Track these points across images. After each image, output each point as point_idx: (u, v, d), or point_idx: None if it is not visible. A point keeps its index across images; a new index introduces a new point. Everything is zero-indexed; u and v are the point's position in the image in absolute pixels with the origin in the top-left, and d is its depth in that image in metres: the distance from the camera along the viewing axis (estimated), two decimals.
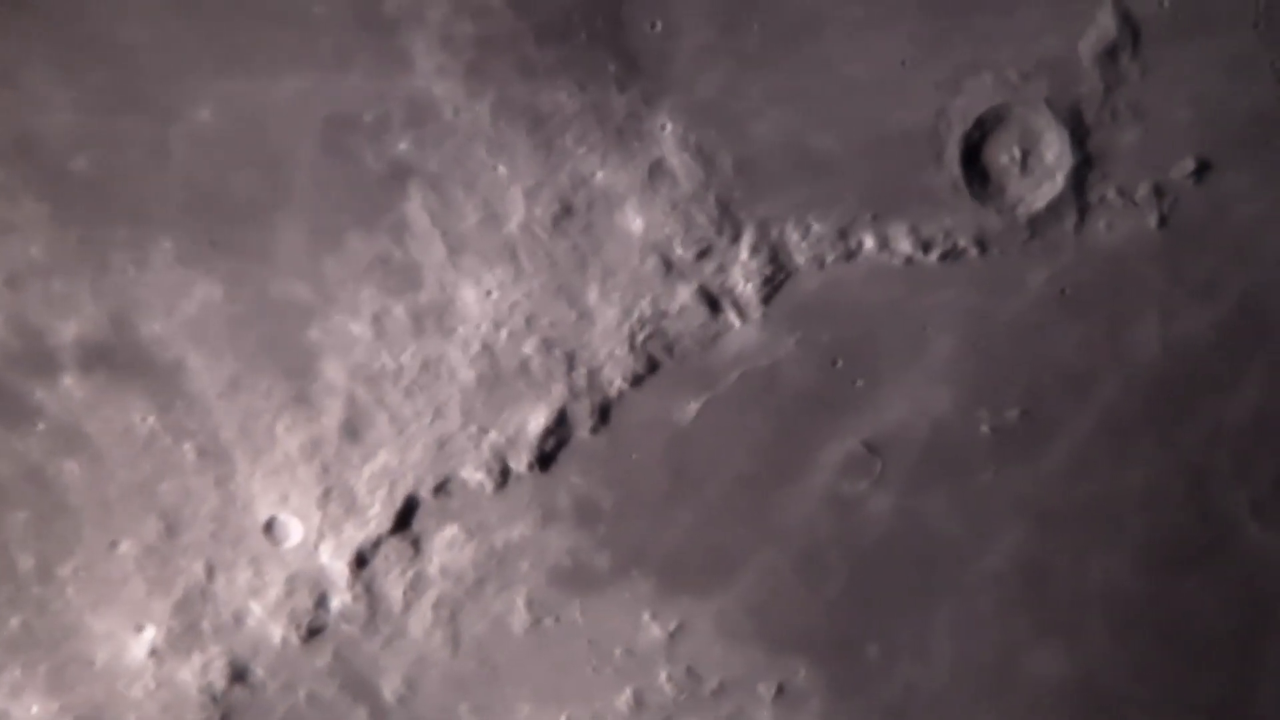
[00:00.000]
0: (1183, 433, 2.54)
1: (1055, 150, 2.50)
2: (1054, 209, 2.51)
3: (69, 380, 2.45)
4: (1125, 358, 2.53)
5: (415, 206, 2.47)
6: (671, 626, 2.55)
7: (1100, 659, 2.56)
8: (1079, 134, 2.49)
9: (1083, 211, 2.51)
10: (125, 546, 2.50)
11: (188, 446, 2.49)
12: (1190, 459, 2.54)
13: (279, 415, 2.50)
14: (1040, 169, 2.51)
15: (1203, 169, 2.49)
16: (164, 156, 2.42)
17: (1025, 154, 2.51)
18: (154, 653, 2.52)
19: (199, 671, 2.52)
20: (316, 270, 2.47)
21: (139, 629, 2.51)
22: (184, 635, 2.52)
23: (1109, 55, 2.48)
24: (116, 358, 2.46)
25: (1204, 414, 2.54)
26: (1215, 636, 2.55)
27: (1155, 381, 2.53)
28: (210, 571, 2.51)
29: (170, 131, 2.42)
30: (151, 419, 2.48)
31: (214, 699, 2.53)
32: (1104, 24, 2.47)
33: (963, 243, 2.50)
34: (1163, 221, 2.51)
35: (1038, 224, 2.51)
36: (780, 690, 2.56)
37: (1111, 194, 2.51)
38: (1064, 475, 2.54)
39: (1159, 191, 2.50)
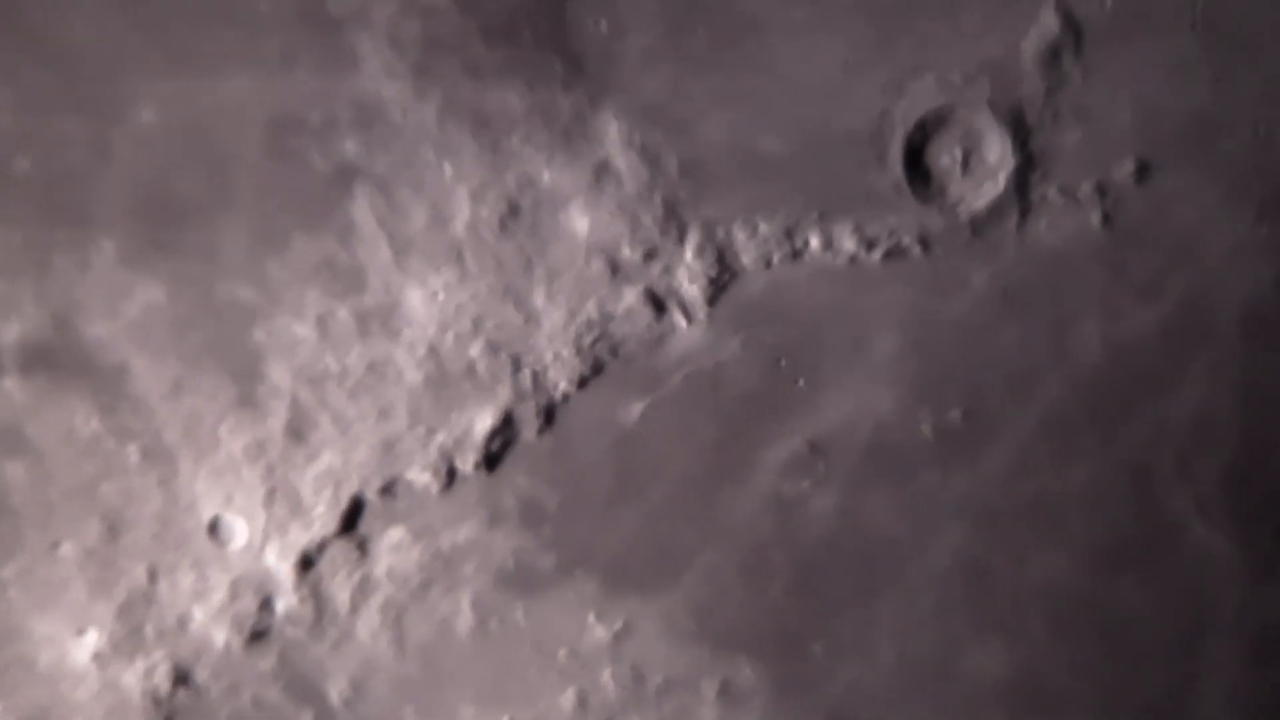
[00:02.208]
0: (1125, 432, 2.55)
1: (997, 151, 2.51)
2: (996, 209, 2.52)
3: (10, 382, 2.43)
4: (1067, 357, 2.54)
5: (361, 208, 2.47)
6: (616, 627, 2.55)
7: (1041, 657, 2.57)
8: (1021, 135, 2.51)
9: (1025, 211, 2.53)
10: (67, 548, 2.48)
11: (131, 448, 2.48)
12: (1132, 458, 2.56)
13: (223, 417, 2.49)
14: (982, 169, 2.52)
15: (1144, 169, 2.51)
16: (106, 157, 2.42)
17: (967, 154, 2.52)
18: (97, 656, 2.50)
19: (142, 675, 2.51)
20: (261, 272, 2.47)
21: (81, 632, 2.50)
22: (127, 638, 2.50)
23: (1051, 57, 2.49)
24: (59, 359, 2.45)
25: (1146, 413, 2.55)
26: (1156, 635, 2.56)
27: (1097, 380, 2.54)
28: (153, 574, 2.50)
29: (113, 132, 2.41)
30: (94, 421, 2.47)
31: (157, 703, 2.51)
32: (1046, 26, 2.49)
33: (906, 242, 2.51)
34: (1105, 221, 2.52)
35: (980, 224, 2.52)
36: (724, 689, 2.56)
37: (1053, 194, 2.52)
38: (1006, 475, 2.55)
39: (1101, 191, 2.52)
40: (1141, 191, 2.52)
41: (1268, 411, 2.54)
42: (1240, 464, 2.55)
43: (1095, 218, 2.52)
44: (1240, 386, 2.53)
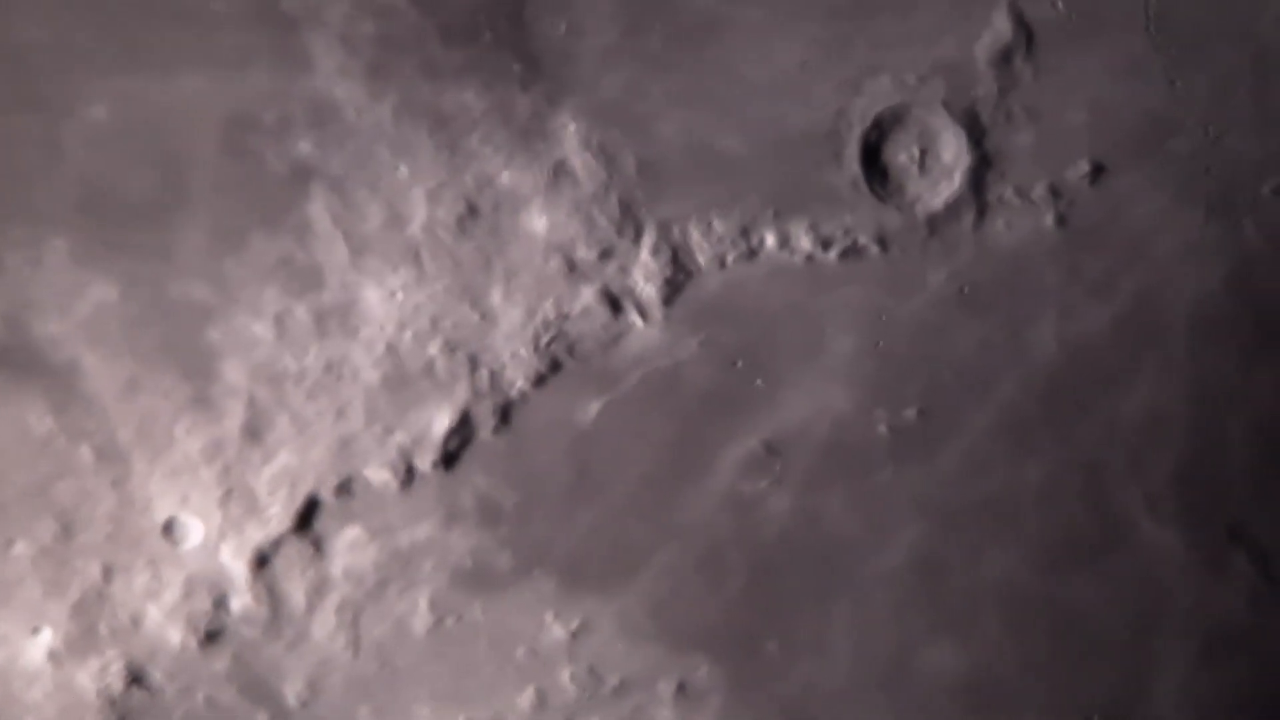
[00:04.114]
0: (1078, 430, 2.57)
1: (953, 150, 2.53)
2: (952, 208, 2.54)
3: None
4: (1022, 356, 2.56)
5: (317, 207, 2.46)
6: (573, 626, 2.55)
7: (996, 655, 2.58)
8: (976, 135, 2.52)
9: (981, 211, 2.54)
10: (21, 548, 2.47)
11: (85, 448, 2.46)
12: (1086, 456, 2.57)
13: (178, 416, 2.47)
14: (938, 169, 2.54)
15: (1097, 170, 2.53)
16: (59, 155, 2.40)
17: (923, 154, 2.53)
18: (51, 655, 2.48)
19: (97, 674, 2.49)
20: (217, 271, 2.46)
21: (35, 631, 2.48)
22: (81, 637, 2.49)
23: (1004, 58, 2.51)
24: (12, 358, 2.43)
25: (1099, 411, 2.57)
26: (1109, 632, 2.58)
27: (1052, 379, 2.56)
28: (107, 573, 2.48)
29: (65, 130, 2.40)
30: (47, 420, 2.45)
31: (112, 702, 2.50)
32: (999, 27, 2.50)
33: (863, 240, 2.52)
34: (1059, 221, 2.54)
35: (936, 223, 2.54)
36: (681, 688, 2.57)
37: (1009, 194, 2.54)
38: (961, 473, 2.56)
39: (1055, 192, 2.54)
40: (1095, 192, 2.53)
41: (1217, 409, 2.56)
42: (1190, 462, 2.57)
43: (1050, 218, 2.54)
44: (1190, 384, 2.55)
